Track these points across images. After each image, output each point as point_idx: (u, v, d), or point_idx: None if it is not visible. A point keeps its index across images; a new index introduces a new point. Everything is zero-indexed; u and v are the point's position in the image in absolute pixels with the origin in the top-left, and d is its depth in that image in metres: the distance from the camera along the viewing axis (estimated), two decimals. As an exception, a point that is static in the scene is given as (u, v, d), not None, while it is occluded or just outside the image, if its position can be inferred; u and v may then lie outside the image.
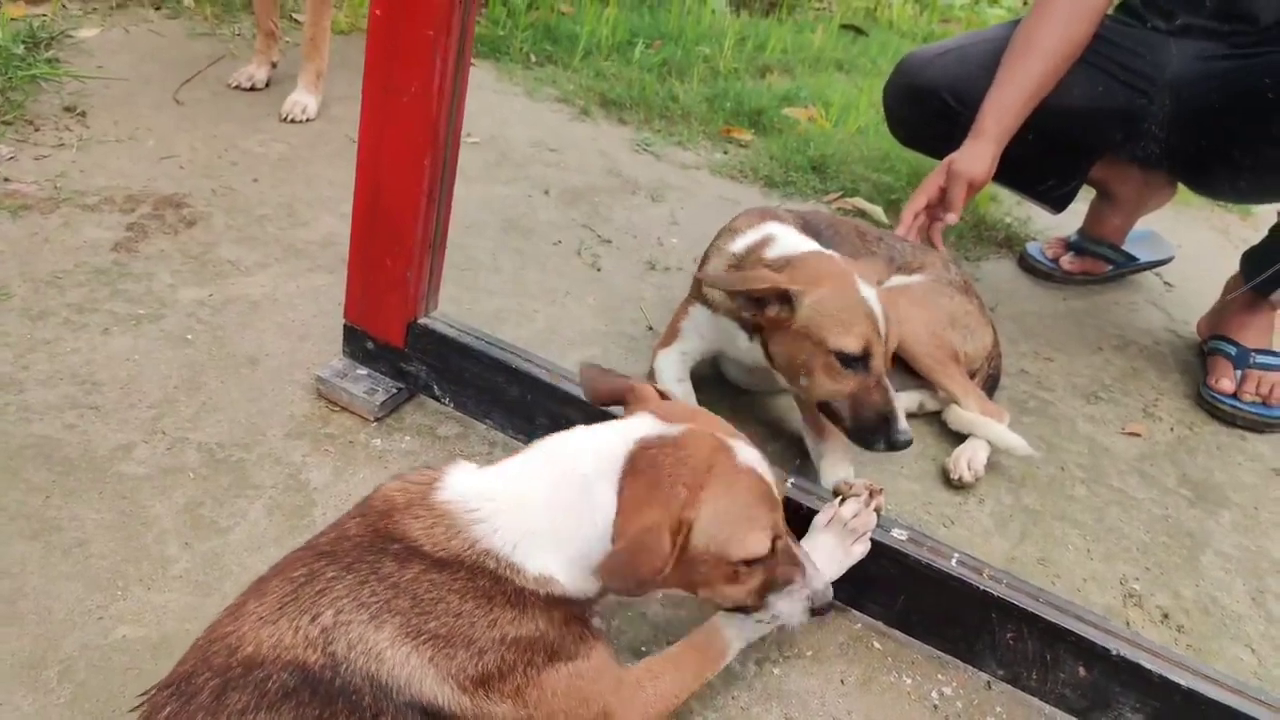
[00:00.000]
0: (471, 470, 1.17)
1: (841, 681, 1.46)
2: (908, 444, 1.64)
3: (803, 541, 1.42)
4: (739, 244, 1.85)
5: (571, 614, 1.14)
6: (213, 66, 3.01)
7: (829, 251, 1.76)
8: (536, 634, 1.09)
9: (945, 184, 2.19)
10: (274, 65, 2.98)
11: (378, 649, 1.01)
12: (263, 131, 2.72)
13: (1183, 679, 1.35)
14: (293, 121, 2.79)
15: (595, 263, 2.43)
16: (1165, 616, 1.71)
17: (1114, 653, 1.38)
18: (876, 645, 1.53)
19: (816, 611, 1.25)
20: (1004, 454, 1.95)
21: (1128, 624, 1.65)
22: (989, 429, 1.94)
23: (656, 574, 1.04)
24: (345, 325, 1.78)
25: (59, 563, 1.37)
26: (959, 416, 1.98)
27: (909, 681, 1.48)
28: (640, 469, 1.10)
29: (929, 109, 2.46)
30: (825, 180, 3.14)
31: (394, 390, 1.75)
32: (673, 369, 1.91)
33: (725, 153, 3.24)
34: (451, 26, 1.47)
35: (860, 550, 1.46)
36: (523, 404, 1.68)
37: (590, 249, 2.49)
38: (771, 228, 1.85)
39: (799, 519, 1.48)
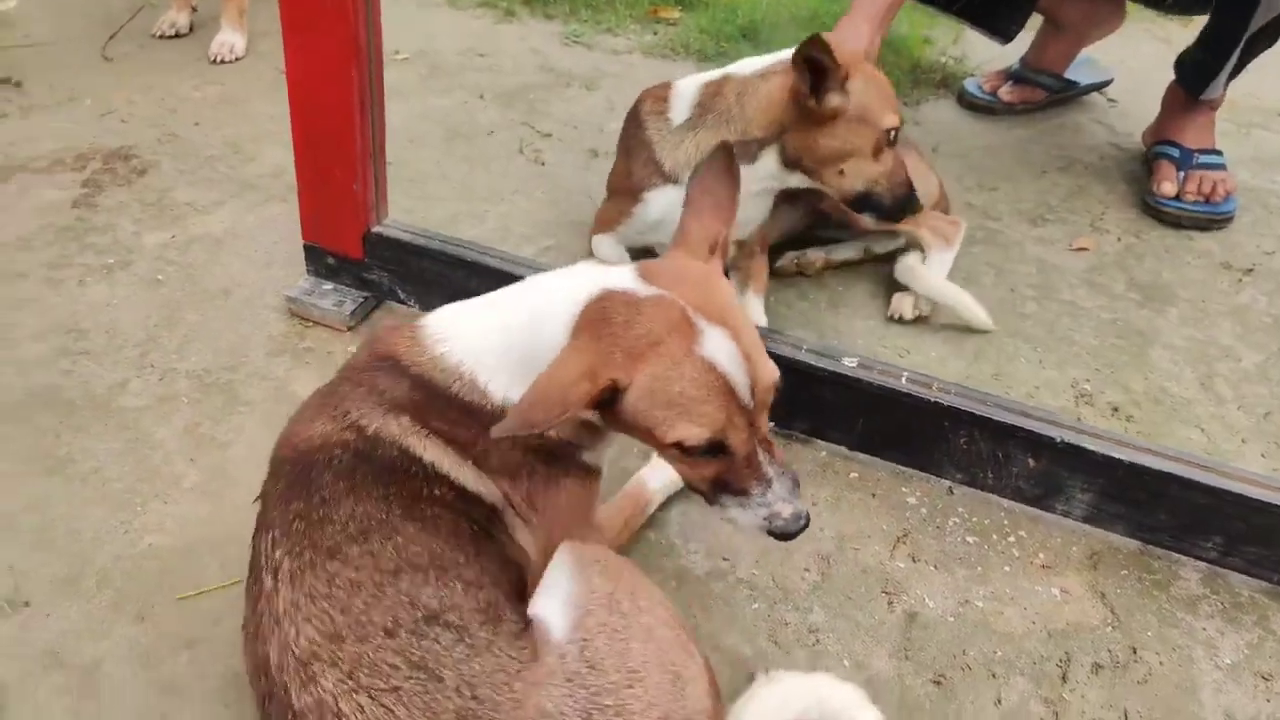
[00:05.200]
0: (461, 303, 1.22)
1: (814, 504, 1.57)
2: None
3: None
4: (688, 90, 1.85)
5: (548, 446, 1.17)
6: (134, 19, 2.99)
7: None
8: (515, 451, 1.15)
9: None
10: (194, 9, 2.96)
11: (397, 434, 1.10)
12: (196, 76, 2.72)
13: (1124, 455, 1.45)
14: (222, 62, 2.79)
15: (539, 158, 2.47)
16: (1115, 410, 1.81)
17: (1059, 440, 1.48)
18: (842, 468, 1.63)
19: (775, 534, 1.14)
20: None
21: (1079, 420, 1.75)
22: (948, 296, 1.97)
23: (543, 425, 0.99)
24: (305, 245, 1.84)
25: (79, 491, 1.47)
26: (918, 278, 2.00)
27: (875, 496, 1.59)
28: (589, 321, 1.06)
29: None
30: (758, 46, 3.13)
31: (361, 299, 1.82)
32: (611, 252, 1.99)
33: (655, 33, 3.23)
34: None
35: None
36: (485, 295, 1.75)
37: (532, 145, 2.52)
38: (704, 74, 1.88)
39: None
